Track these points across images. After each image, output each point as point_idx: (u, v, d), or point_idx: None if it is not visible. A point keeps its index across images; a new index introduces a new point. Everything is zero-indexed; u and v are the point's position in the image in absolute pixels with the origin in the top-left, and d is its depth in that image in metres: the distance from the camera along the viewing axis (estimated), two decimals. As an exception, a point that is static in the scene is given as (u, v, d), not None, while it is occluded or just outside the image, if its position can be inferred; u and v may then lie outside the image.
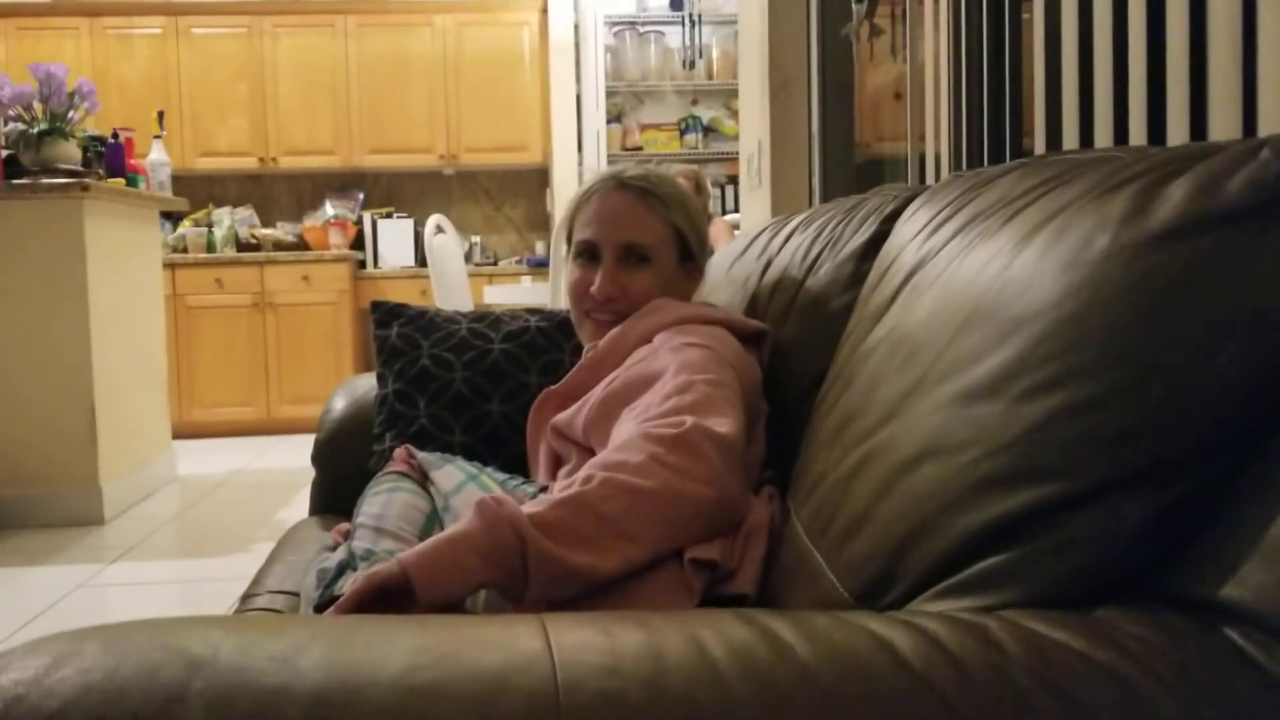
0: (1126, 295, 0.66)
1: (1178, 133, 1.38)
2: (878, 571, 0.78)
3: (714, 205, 5.90)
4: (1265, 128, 1.22)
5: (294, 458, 5.00)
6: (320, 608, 1.09)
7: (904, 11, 2.53)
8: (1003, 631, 0.60)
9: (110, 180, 4.16)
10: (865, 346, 1.02)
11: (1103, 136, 1.56)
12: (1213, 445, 0.62)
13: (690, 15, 6.55)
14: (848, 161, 3.13)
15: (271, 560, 1.53)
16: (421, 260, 6.24)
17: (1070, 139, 1.66)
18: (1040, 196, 0.83)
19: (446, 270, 4.36)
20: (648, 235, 1.43)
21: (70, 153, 3.95)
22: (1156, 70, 1.43)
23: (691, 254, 1.47)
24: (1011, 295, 0.76)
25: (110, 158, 4.26)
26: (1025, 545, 0.66)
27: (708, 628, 0.60)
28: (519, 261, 6.62)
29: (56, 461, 3.83)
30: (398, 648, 0.54)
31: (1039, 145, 1.80)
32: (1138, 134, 1.47)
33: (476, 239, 6.70)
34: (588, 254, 1.46)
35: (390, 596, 0.89)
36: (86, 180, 3.83)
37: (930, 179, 2.37)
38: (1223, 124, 1.29)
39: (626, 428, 1.13)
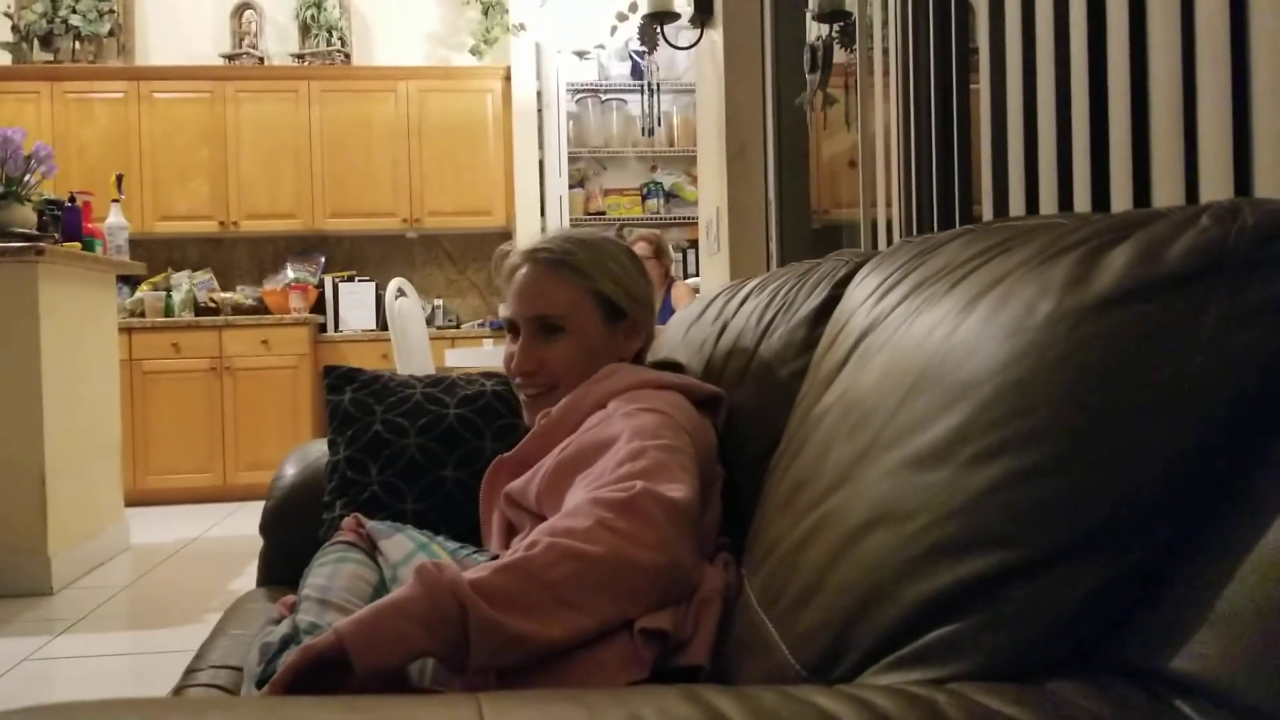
0: (1070, 361, 0.66)
1: (1121, 199, 1.40)
2: (829, 642, 0.77)
3: (676, 269, 5.92)
4: (1206, 194, 1.24)
5: (250, 525, 4.88)
6: (262, 683, 1.06)
7: (856, 82, 2.57)
8: (952, 706, 0.59)
9: (66, 244, 4.12)
10: (817, 411, 1.01)
11: (1048, 203, 1.58)
12: (1161, 512, 0.61)
13: (650, 84, 6.63)
14: (804, 227, 3.16)
15: (216, 634, 1.49)
16: (383, 323, 6.21)
17: (1016, 205, 1.68)
18: (985, 263, 0.83)
19: (408, 333, 4.34)
20: (557, 305, 1.41)
21: (26, 217, 3.91)
22: (1100, 139, 1.45)
23: (621, 312, 1.45)
24: (957, 361, 0.76)
25: (67, 221, 4.22)
26: (975, 615, 0.65)
27: (650, 707, 0.58)
28: (481, 324, 6.61)
29: (4, 531, 3.73)
30: (323, 732, 0.52)
31: (987, 212, 1.82)
32: (1082, 201, 1.49)
33: (439, 302, 6.69)
34: (512, 330, 1.46)
35: (328, 667, 0.87)
36: (41, 244, 3.79)
37: (883, 245, 2.39)
38: (1165, 190, 1.31)
39: (578, 494, 1.12)
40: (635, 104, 6.72)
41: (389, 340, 4.49)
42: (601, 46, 6.37)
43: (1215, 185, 1.22)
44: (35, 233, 3.92)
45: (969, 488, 0.68)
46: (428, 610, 0.89)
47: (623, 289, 1.44)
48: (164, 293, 6.24)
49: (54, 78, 6.18)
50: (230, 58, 6.49)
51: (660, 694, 0.61)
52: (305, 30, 6.59)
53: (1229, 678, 0.55)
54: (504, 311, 1.48)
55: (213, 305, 6.32)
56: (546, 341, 1.42)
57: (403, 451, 1.66)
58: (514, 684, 0.93)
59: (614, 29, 5.22)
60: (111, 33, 6.40)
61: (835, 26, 2.72)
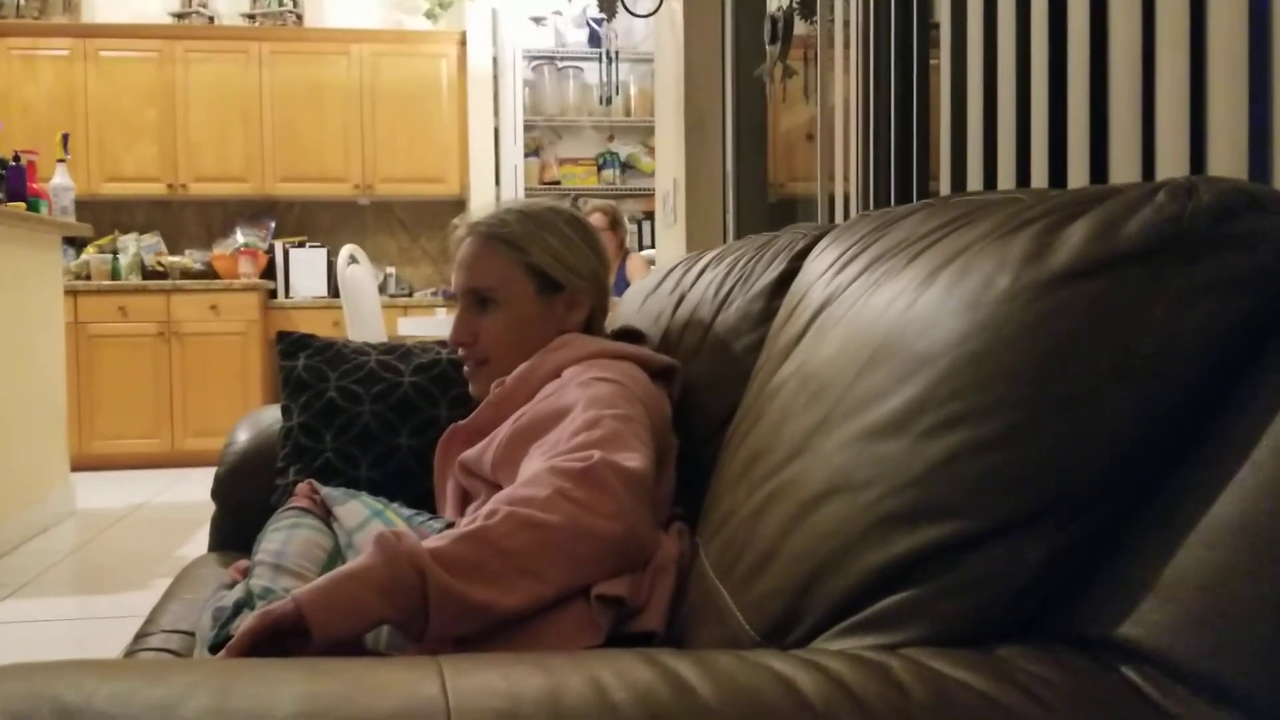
0: (1026, 335, 0.67)
1: (1078, 176, 1.42)
2: (783, 609, 0.78)
3: (631, 240, 5.92)
4: (1163, 172, 1.26)
5: (198, 491, 4.84)
6: (215, 648, 1.06)
7: (816, 54, 2.58)
8: (904, 671, 0.60)
9: (10, 204, 4.03)
10: (773, 383, 1.02)
11: (1006, 179, 1.59)
12: (1112, 483, 0.63)
13: (608, 52, 6.59)
14: (761, 201, 3.16)
15: (167, 598, 1.48)
16: (334, 291, 6.15)
17: (974, 181, 1.70)
18: (944, 236, 0.84)
19: (360, 301, 4.30)
20: (488, 278, 1.43)
21: (-33, 175, 3.83)
22: (1058, 115, 1.47)
23: (558, 284, 1.44)
24: (915, 334, 0.76)
25: (10, 181, 4.13)
26: (927, 583, 0.67)
27: (609, 669, 0.59)
28: (434, 293, 6.56)
29: (-55, 495, 3.68)
30: (285, 695, 0.52)
31: (945, 187, 1.83)
32: (1039, 178, 1.50)
33: (391, 270, 6.63)
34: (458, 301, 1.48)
35: (285, 635, 0.87)
36: (-16, 204, 3.71)
37: (840, 219, 2.40)
38: (1122, 168, 1.33)
39: (535, 463, 1.12)
40: (593, 72, 6.68)
41: (341, 308, 4.44)
42: (559, 13, 6.32)
43: (1171, 163, 1.24)
44: (-23, 192, 3.84)
45: (924, 459, 0.69)
46: (387, 579, 0.89)
47: (559, 261, 1.44)
48: (110, 255, 6.13)
49: (-3, 33, 6.03)
50: (179, 16, 6.36)
51: (619, 657, 0.62)
52: (257, -10, 6.48)
53: (1172, 644, 0.57)
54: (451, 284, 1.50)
55: (160, 269, 6.22)
56: (480, 314, 1.44)
57: (356, 418, 1.65)
58: (470, 650, 0.93)
59: (572, -5, 5.18)
60: (57, -12, 6.26)
61: (796, -2, 2.72)
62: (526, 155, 6.48)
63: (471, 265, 1.44)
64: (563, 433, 1.14)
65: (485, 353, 1.44)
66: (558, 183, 6.62)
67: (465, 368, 1.49)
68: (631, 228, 6.23)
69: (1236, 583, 0.55)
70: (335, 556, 1.24)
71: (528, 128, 6.50)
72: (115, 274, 6.10)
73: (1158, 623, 0.58)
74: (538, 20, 6.38)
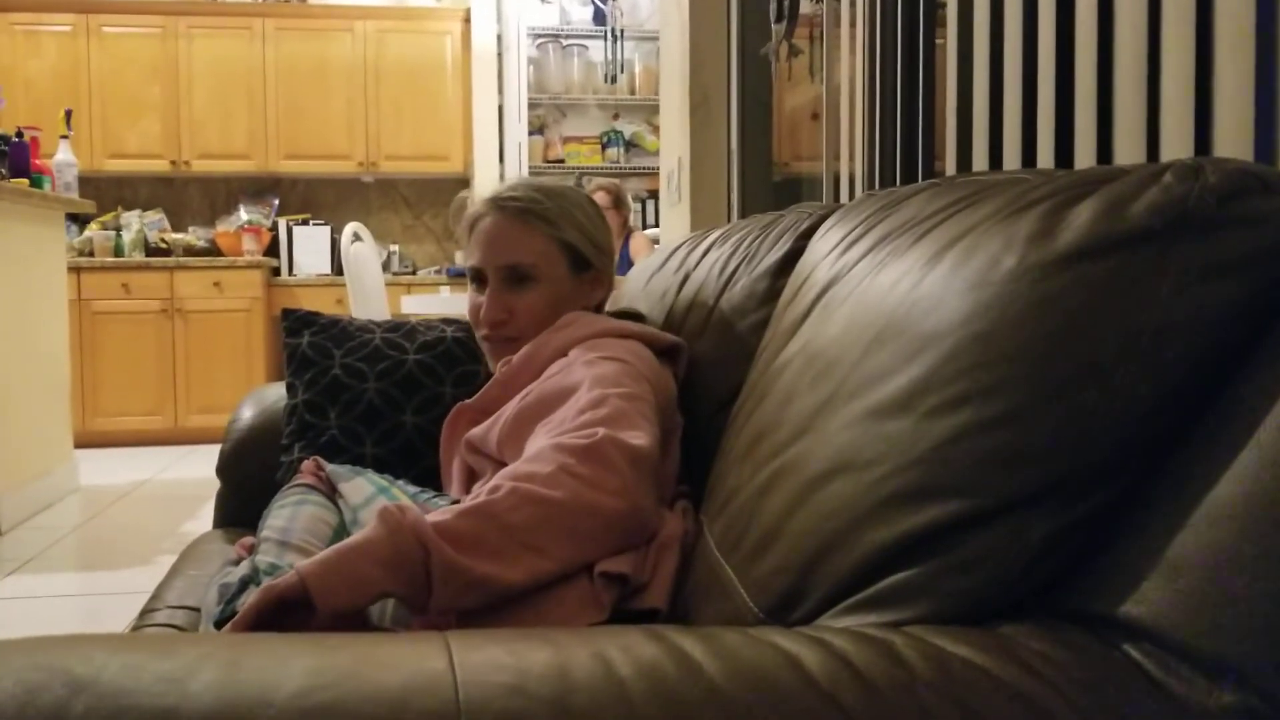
0: (1032, 315, 0.67)
1: (1085, 157, 1.41)
2: (788, 587, 0.78)
3: (635, 219, 5.90)
4: (1168, 153, 1.25)
5: (202, 468, 4.89)
6: (221, 623, 1.06)
7: (822, 33, 2.57)
8: (908, 647, 0.61)
9: (13, 180, 4.03)
10: (779, 362, 1.02)
11: (1011, 159, 1.59)
12: (1116, 463, 0.63)
13: (613, 30, 6.57)
14: (766, 180, 3.16)
15: (173, 574, 1.48)
16: (338, 268, 6.15)
17: (980, 161, 1.69)
18: (950, 216, 0.84)
19: (364, 279, 4.30)
20: (528, 254, 1.41)
21: (-29, 151, 3.82)
22: (1065, 96, 1.46)
23: (588, 262, 1.46)
24: (921, 313, 0.77)
25: (14, 157, 4.12)
26: (931, 562, 0.67)
27: (615, 645, 0.59)
28: (438, 271, 6.56)
29: (-50, 471, 3.69)
30: (293, 668, 0.53)
31: (950, 167, 1.83)
32: (1046, 158, 1.50)
33: (395, 248, 6.63)
34: (478, 280, 1.46)
35: (290, 608, 0.87)
36: (-13, 180, 3.71)
37: (845, 198, 2.39)
38: (1128, 149, 1.32)
39: (540, 441, 1.12)
40: (597, 50, 6.66)
41: (344, 285, 4.44)
42: (564, -10, 6.29)
43: (1176, 144, 1.24)
44: (-19, 168, 3.84)
45: (929, 438, 0.70)
46: (390, 552, 0.89)
47: (589, 239, 1.45)
48: (113, 232, 6.13)
49: (0, 9, 6.01)
50: (183, -8, 6.34)
51: (625, 633, 0.62)
52: (260, -34, 6.46)
53: (1174, 622, 0.57)
54: (467, 260, 1.47)
55: (164, 246, 6.22)
56: (516, 290, 1.42)
57: (361, 396, 1.65)
58: (474, 625, 0.94)
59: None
60: (60, -37, 6.24)
61: (802, -24, 2.71)
62: (531, 133, 6.46)
63: (508, 241, 1.42)
64: (568, 411, 1.15)
65: (518, 329, 1.42)
66: (562, 161, 6.61)
67: (487, 345, 1.47)
68: (635, 206, 6.22)
69: (1239, 562, 0.55)
70: (341, 533, 1.24)
71: (532, 105, 6.49)
72: (118, 251, 6.10)
73: (1160, 601, 0.58)
74: (542, -3, 6.35)
